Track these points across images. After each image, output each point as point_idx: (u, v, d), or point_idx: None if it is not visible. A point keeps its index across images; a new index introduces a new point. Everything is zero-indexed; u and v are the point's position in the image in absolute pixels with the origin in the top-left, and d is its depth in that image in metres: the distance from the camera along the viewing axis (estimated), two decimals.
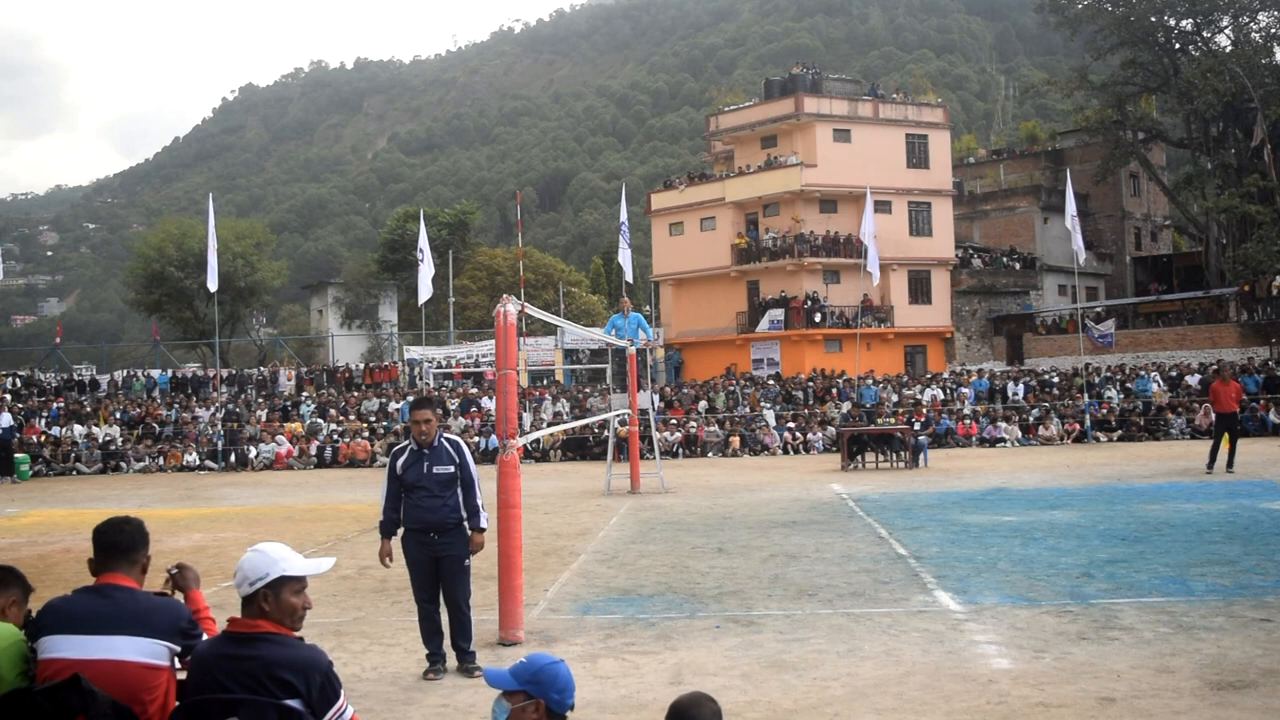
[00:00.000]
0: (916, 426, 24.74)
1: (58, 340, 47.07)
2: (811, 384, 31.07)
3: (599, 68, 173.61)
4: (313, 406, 30.72)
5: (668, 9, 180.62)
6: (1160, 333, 36.97)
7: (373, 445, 27.17)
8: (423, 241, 33.44)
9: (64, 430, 28.87)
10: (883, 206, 35.64)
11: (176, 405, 30.82)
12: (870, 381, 30.83)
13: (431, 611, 6.73)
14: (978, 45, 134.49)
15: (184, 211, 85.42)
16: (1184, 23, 42.31)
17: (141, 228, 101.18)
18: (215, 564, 10.79)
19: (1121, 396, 28.29)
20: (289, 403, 31.60)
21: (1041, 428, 26.69)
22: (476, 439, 26.11)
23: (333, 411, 29.83)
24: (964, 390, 29.54)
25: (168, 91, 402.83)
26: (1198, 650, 6.48)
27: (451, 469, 6.65)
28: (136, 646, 3.21)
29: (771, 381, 32.45)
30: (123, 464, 27.51)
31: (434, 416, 6.79)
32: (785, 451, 26.47)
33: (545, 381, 36.41)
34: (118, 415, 30.12)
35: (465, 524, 6.72)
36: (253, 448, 27.63)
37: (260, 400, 32.33)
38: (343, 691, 3.07)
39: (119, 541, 3.42)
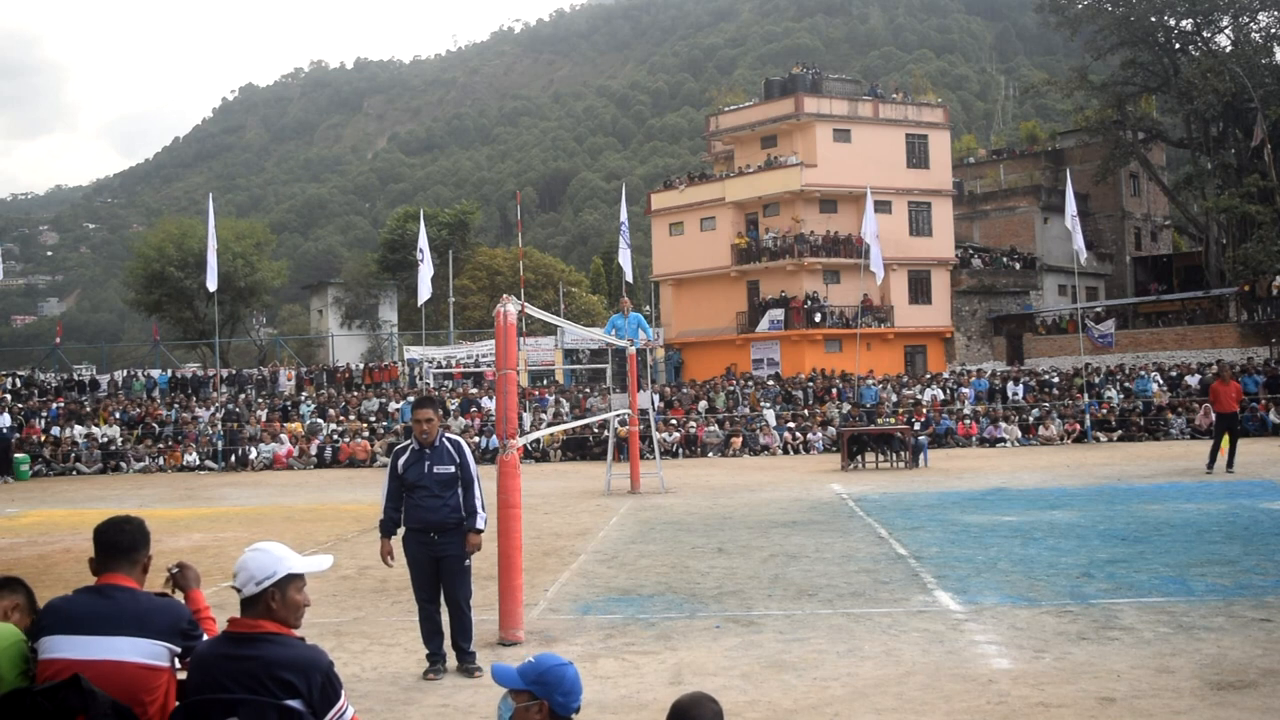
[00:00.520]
0: (916, 426, 24.74)
1: (58, 340, 47.03)
2: (811, 384, 31.07)
3: (599, 68, 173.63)
4: (313, 406, 30.72)
5: (668, 9, 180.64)
6: (1160, 333, 36.96)
7: (373, 445, 27.16)
8: (423, 241, 33.46)
9: (64, 430, 28.87)
10: (883, 206, 35.61)
11: (176, 405, 30.82)
12: (870, 381, 30.83)
13: (432, 611, 6.73)
14: (978, 45, 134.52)
15: (184, 211, 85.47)
16: (1184, 23, 42.30)
17: (141, 228, 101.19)
18: (215, 564, 10.78)
19: (1121, 396, 28.29)
20: (289, 403, 31.60)
21: (1041, 428, 26.69)
22: (476, 439, 26.11)
23: (333, 411, 29.83)
24: (964, 390, 29.54)
25: (168, 91, 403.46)
26: (1198, 650, 6.48)
27: (452, 469, 6.65)
28: (137, 647, 3.21)
29: (771, 381, 32.45)
30: (123, 464, 27.51)
31: (436, 416, 6.79)
32: (785, 451, 26.47)
33: (545, 381, 36.40)
34: (118, 415, 30.11)
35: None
36: (253, 448, 27.63)
37: (260, 400, 32.32)
38: (343, 691, 3.07)
39: (119, 541, 3.41)
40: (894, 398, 29.33)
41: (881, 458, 21.91)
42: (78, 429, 28.83)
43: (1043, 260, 43.94)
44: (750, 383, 31.99)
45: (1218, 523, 11.75)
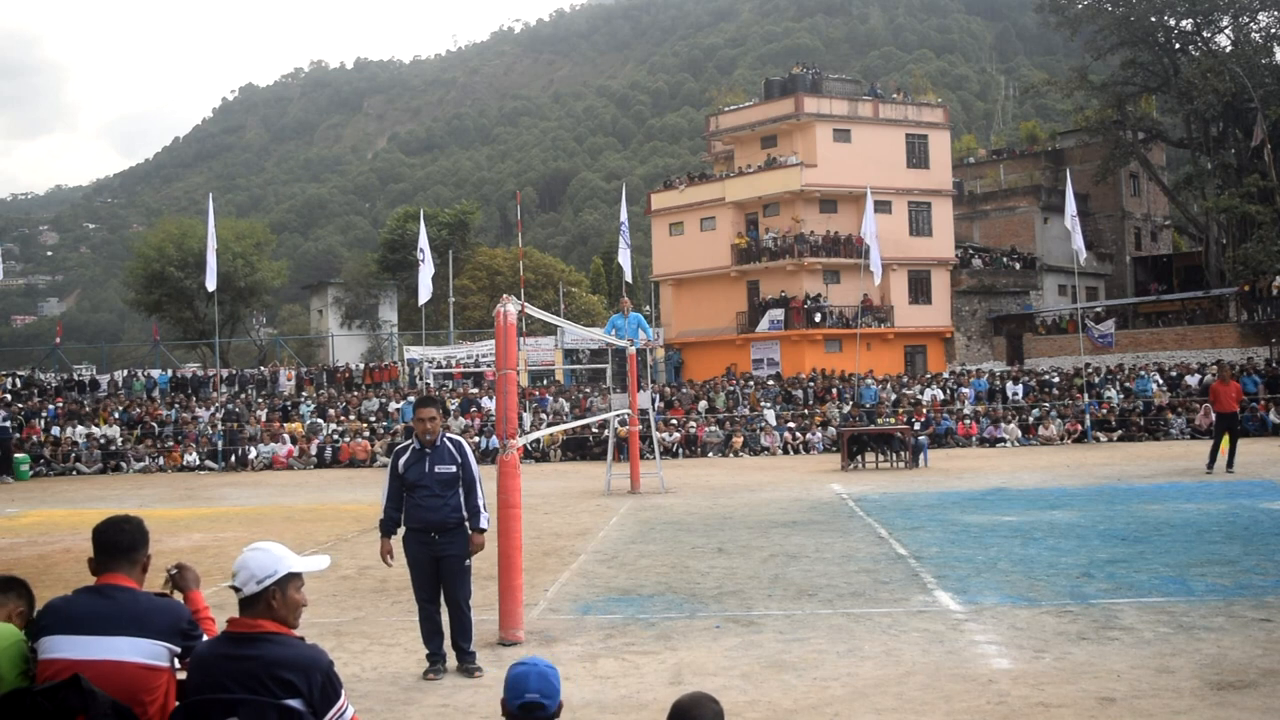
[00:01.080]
0: (916, 426, 24.74)
1: (58, 340, 47.03)
2: (811, 384, 31.07)
3: (599, 68, 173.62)
4: (313, 406, 30.72)
5: (668, 9, 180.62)
6: (1160, 333, 36.95)
7: (373, 445, 27.17)
8: (423, 241, 33.45)
9: (64, 430, 28.87)
10: (883, 206, 35.62)
11: (176, 405, 30.82)
12: (870, 381, 30.82)
13: (432, 611, 6.72)
14: (978, 45, 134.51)
15: (184, 211, 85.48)
16: (1184, 23, 42.29)
17: (141, 228, 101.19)
18: (215, 564, 10.78)
19: (1121, 396, 28.29)
20: (289, 403, 31.60)
21: (1041, 428, 26.69)
22: (477, 439, 26.11)
23: (333, 411, 29.83)
24: (964, 390, 29.54)
25: (168, 91, 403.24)
26: (1198, 650, 6.47)
27: (453, 469, 6.65)
28: (136, 647, 3.21)
29: (771, 381, 32.45)
30: (123, 464, 27.52)
31: (439, 415, 6.78)
32: (785, 451, 26.47)
33: (545, 381, 36.40)
34: (118, 415, 30.11)
35: (466, 524, 6.71)
36: (253, 448, 27.63)
37: (260, 400, 32.33)
38: (343, 691, 3.07)
39: (119, 541, 3.41)
40: (894, 398, 29.33)
41: (881, 458, 21.91)
42: (78, 429, 28.83)
43: (1043, 260, 43.93)
44: (750, 383, 31.99)
45: (1218, 523, 11.75)
